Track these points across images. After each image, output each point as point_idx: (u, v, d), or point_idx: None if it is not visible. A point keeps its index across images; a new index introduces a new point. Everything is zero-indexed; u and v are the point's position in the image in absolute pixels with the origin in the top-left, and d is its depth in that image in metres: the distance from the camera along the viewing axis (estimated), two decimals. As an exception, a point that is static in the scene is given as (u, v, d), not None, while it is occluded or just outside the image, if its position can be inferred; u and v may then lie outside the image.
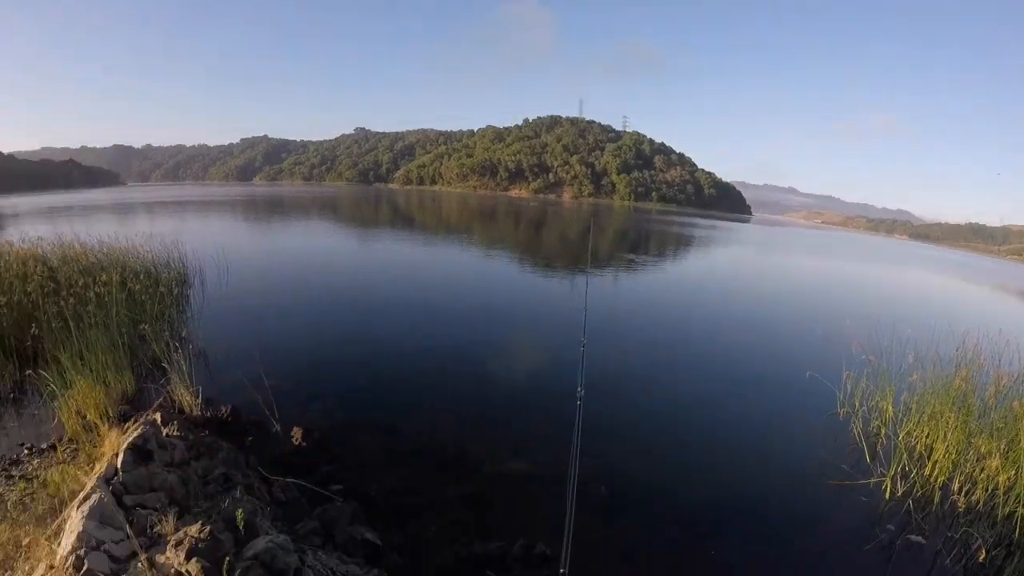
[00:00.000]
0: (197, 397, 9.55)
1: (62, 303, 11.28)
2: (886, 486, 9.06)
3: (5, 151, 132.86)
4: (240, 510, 5.28)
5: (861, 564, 7.54)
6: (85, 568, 4.46)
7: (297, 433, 9.18)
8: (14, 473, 7.55)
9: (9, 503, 6.47)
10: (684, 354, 16.35)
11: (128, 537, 4.90)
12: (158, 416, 8.01)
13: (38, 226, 27.40)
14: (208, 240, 26.38)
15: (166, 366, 10.11)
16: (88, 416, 8.53)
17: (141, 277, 14.43)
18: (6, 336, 11.02)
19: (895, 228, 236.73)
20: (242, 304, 17.08)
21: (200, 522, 4.99)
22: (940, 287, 42.33)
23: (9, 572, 5.21)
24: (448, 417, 10.78)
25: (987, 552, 7.51)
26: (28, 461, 7.92)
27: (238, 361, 11.84)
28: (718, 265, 41.45)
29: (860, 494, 9.03)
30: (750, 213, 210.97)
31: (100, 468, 6.13)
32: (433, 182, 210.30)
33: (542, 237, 52.03)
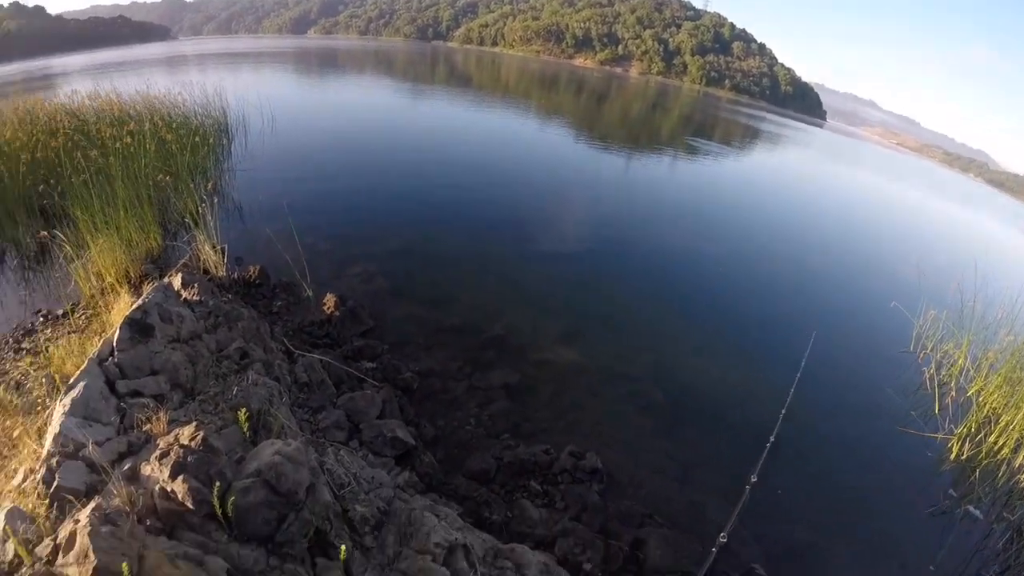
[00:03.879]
0: (224, 256, 8.45)
1: (89, 156, 9.99)
2: (952, 445, 7.82)
3: (53, 12, 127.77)
4: (243, 410, 4.26)
5: (914, 523, 6.60)
6: (55, 484, 3.52)
7: (330, 301, 8.14)
8: (24, 346, 6.60)
9: (4, 385, 5.50)
10: (751, 258, 14.59)
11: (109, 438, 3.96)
12: (178, 279, 6.97)
13: (83, 83, 25.32)
14: (254, 91, 23.94)
15: (192, 222, 9.05)
16: (107, 278, 7.53)
17: (174, 126, 13.19)
18: (29, 195, 9.89)
19: (971, 167, 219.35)
20: (283, 158, 15.77)
21: (194, 424, 3.97)
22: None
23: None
24: (494, 295, 9.66)
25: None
26: (41, 330, 6.98)
27: (274, 218, 10.68)
28: (791, 167, 37.70)
29: (926, 448, 7.86)
30: (824, 119, 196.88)
31: (97, 345, 5.15)
32: (494, 43, 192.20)
33: (603, 110, 48.93)
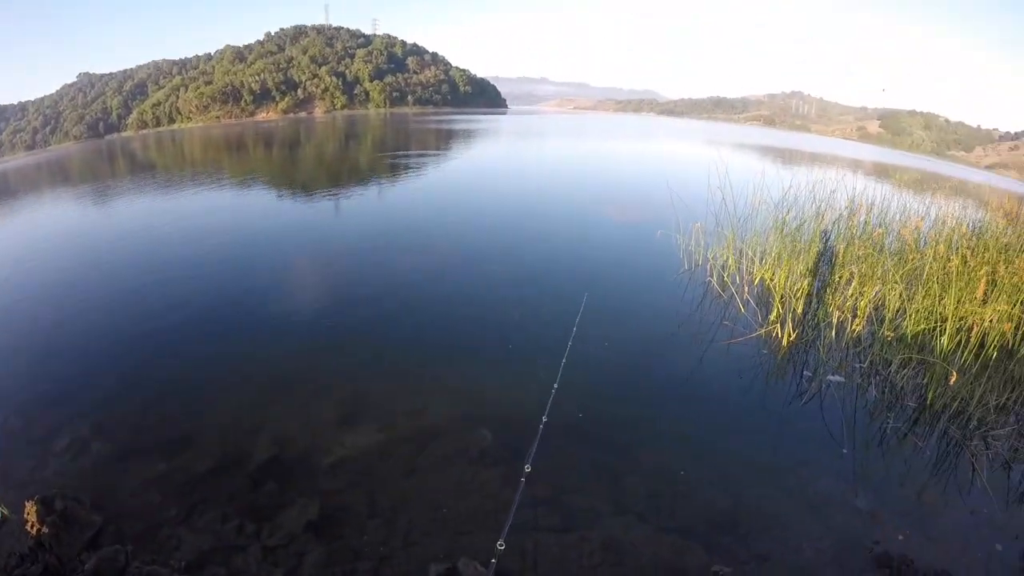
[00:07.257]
0: None
1: None
2: (777, 334, 7.99)
3: None
4: None
5: (792, 413, 6.52)
6: None
7: (31, 511, 5.45)
8: None
9: None
10: (496, 255, 13.74)
11: None
12: None
13: None
14: None
15: None
16: None
17: None
18: None
19: (642, 107, 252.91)
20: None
21: None
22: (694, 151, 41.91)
23: None
24: (243, 404, 7.37)
25: (901, 369, 6.93)
26: None
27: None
28: (485, 155, 40.24)
29: (758, 348, 7.90)
30: (506, 106, 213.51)
31: None
32: (172, 120, 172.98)
33: (297, 159, 46.81)
